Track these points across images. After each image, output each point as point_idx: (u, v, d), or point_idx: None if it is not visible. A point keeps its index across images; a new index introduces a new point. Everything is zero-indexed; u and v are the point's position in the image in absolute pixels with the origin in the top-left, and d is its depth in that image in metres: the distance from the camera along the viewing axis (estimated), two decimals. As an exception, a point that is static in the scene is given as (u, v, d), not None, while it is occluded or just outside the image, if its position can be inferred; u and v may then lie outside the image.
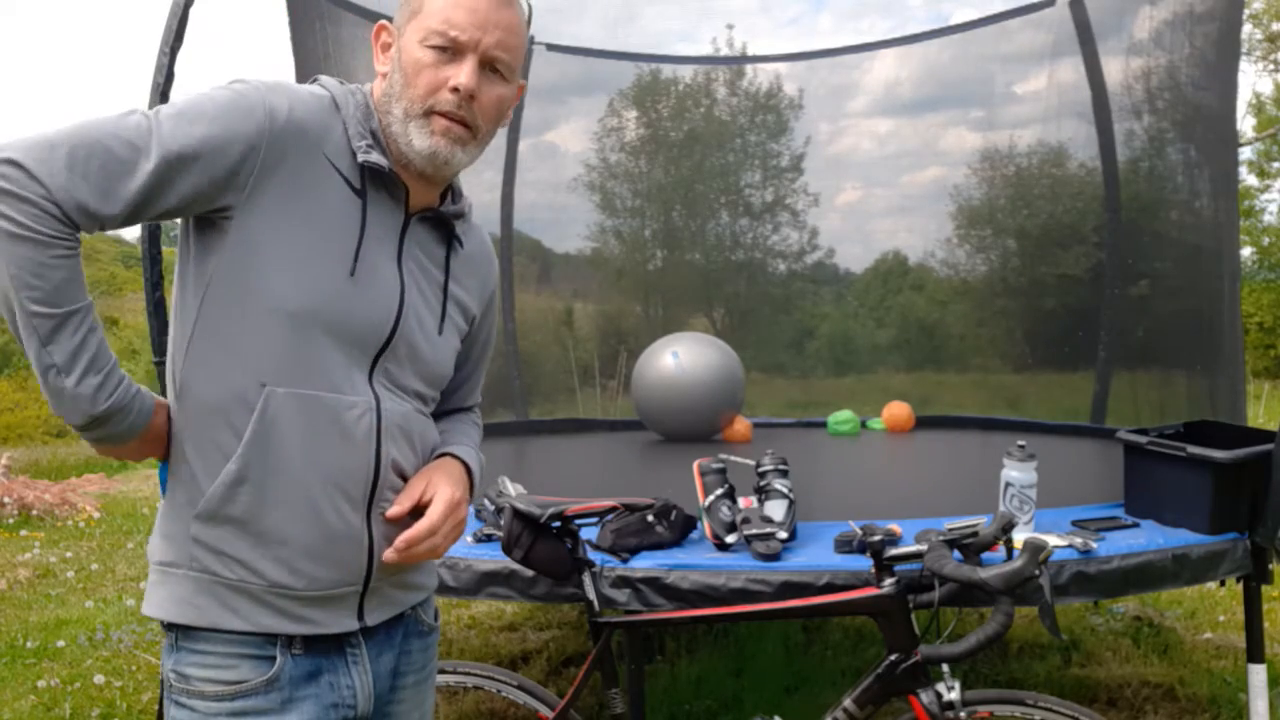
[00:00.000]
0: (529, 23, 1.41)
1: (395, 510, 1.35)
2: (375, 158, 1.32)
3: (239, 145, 1.23)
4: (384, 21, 1.40)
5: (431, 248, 1.44)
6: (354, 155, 1.32)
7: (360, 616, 1.37)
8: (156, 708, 3.03)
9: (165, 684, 1.35)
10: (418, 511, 1.38)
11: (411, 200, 1.39)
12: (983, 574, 1.79)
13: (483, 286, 1.55)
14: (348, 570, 1.33)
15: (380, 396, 1.35)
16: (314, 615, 1.32)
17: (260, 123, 1.24)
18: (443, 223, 1.45)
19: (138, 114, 1.22)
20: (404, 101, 1.32)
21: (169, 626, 1.33)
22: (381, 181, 1.36)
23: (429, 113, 1.32)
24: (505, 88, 1.37)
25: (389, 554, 1.33)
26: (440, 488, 1.38)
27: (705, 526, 2.44)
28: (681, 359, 4.58)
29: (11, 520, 7.24)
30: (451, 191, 1.48)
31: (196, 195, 1.23)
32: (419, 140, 1.32)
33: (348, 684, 1.36)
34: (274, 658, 1.30)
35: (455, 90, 1.30)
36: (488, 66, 1.33)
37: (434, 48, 1.30)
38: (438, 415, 1.61)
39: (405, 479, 1.40)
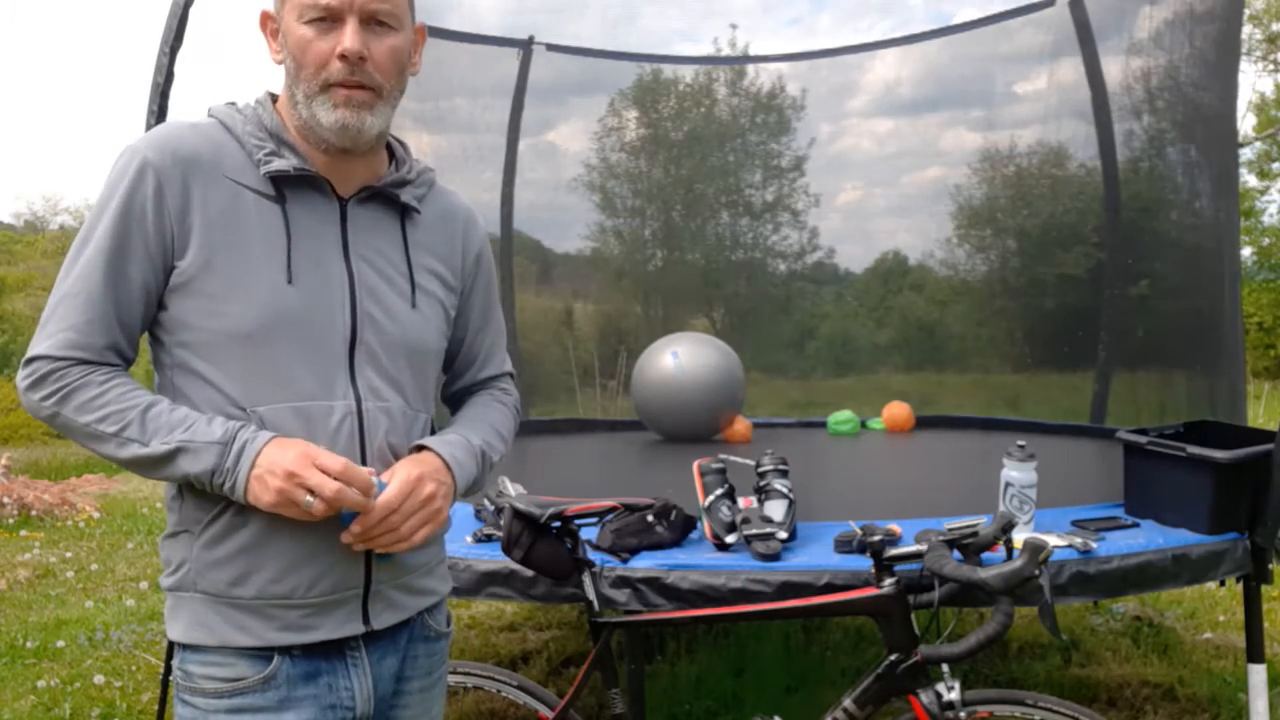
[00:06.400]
0: None
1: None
2: (278, 164, 1.33)
3: (149, 201, 1.28)
4: (266, 9, 1.38)
5: (384, 224, 1.42)
6: (258, 167, 1.33)
7: (366, 620, 1.38)
8: (156, 708, 3.03)
9: (174, 682, 1.37)
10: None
11: (342, 185, 1.39)
12: (983, 574, 1.79)
13: (461, 247, 1.52)
14: (345, 575, 1.35)
15: (363, 397, 1.35)
16: (317, 623, 1.34)
17: (151, 173, 1.28)
18: (388, 196, 1.42)
19: (71, 255, 1.30)
20: (302, 84, 1.32)
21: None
22: (299, 181, 1.35)
23: (326, 86, 1.31)
24: (396, 37, 1.35)
25: (345, 536, 1.29)
26: (398, 469, 1.34)
27: (705, 526, 2.44)
28: (681, 359, 4.58)
29: (11, 520, 7.24)
30: (395, 159, 1.46)
31: (150, 259, 1.29)
32: (324, 116, 1.32)
33: (346, 685, 1.37)
34: (271, 658, 1.32)
35: (343, 57, 1.29)
36: (371, 22, 1.31)
37: (311, 21, 1.30)
38: (461, 394, 1.60)
39: None
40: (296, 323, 1.31)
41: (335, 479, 1.23)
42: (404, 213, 1.45)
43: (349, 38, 1.29)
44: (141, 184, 1.28)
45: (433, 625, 1.51)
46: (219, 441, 1.24)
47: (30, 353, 1.28)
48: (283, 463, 1.23)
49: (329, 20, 1.30)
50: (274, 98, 1.41)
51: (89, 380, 1.26)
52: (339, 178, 1.38)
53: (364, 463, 1.34)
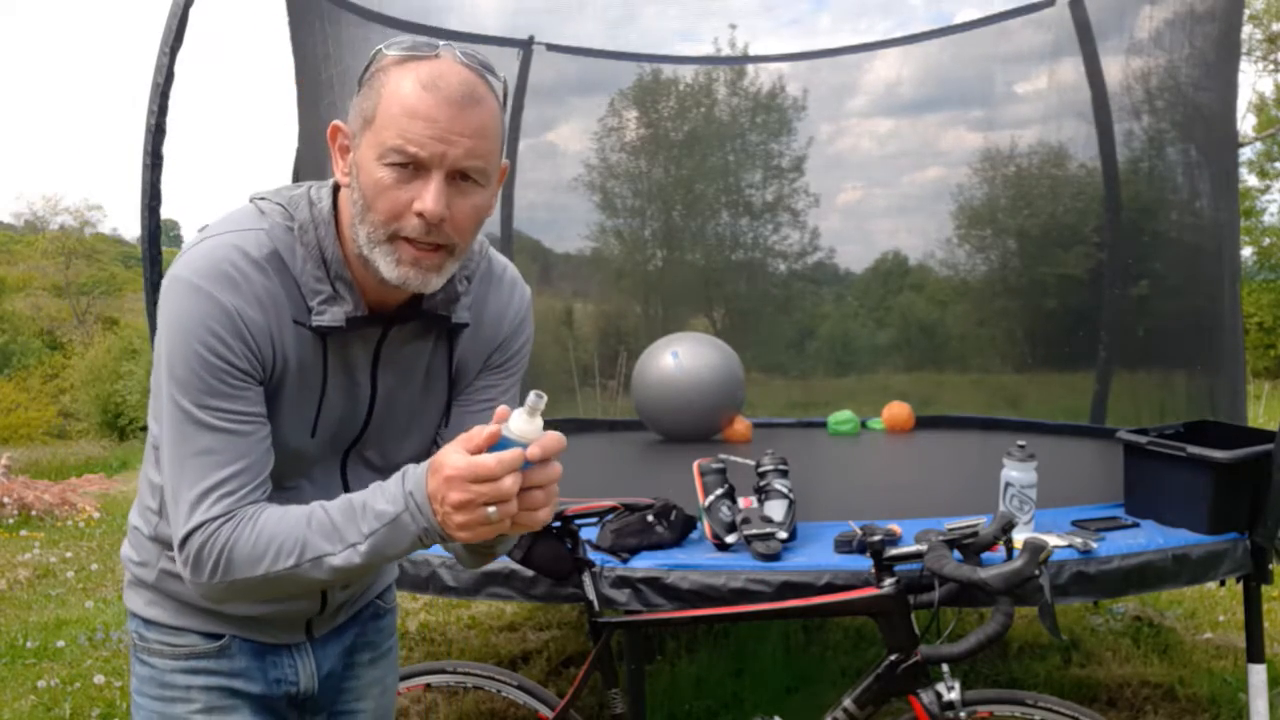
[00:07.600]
0: (505, 102, 1.21)
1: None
2: (329, 318, 1.21)
3: (225, 330, 1.16)
4: (338, 123, 1.21)
5: (419, 342, 1.32)
6: (310, 312, 1.21)
7: (308, 633, 1.44)
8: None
9: (131, 644, 1.44)
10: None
11: (389, 303, 1.27)
12: (983, 574, 1.79)
13: (489, 344, 1.39)
14: (301, 609, 1.41)
15: (350, 479, 1.34)
16: (268, 629, 1.40)
17: (216, 305, 1.16)
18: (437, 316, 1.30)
19: (170, 416, 1.18)
20: (366, 226, 1.16)
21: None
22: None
23: (394, 238, 1.16)
24: (482, 194, 1.18)
25: (533, 450, 1.11)
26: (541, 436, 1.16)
27: (705, 526, 2.44)
28: (681, 359, 4.58)
29: (11, 520, 7.24)
30: None
31: (249, 382, 1.19)
32: (386, 269, 1.17)
33: (290, 663, 1.43)
34: (223, 635, 1.38)
35: (420, 215, 1.13)
36: (456, 177, 1.15)
37: (392, 165, 1.13)
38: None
39: None
40: (303, 453, 1.29)
41: (495, 480, 1.06)
42: (449, 333, 1.32)
43: (432, 198, 1.12)
44: (211, 312, 1.15)
45: (380, 604, 1.57)
46: (398, 515, 1.11)
47: (176, 537, 1.18)
48: (447, 499, 1.08)
49: (412, 168, 1.13)
50: (336, 192, 1.25)
51: (239, 531, 1.15)
52: (387, 297, 1.26)
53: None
